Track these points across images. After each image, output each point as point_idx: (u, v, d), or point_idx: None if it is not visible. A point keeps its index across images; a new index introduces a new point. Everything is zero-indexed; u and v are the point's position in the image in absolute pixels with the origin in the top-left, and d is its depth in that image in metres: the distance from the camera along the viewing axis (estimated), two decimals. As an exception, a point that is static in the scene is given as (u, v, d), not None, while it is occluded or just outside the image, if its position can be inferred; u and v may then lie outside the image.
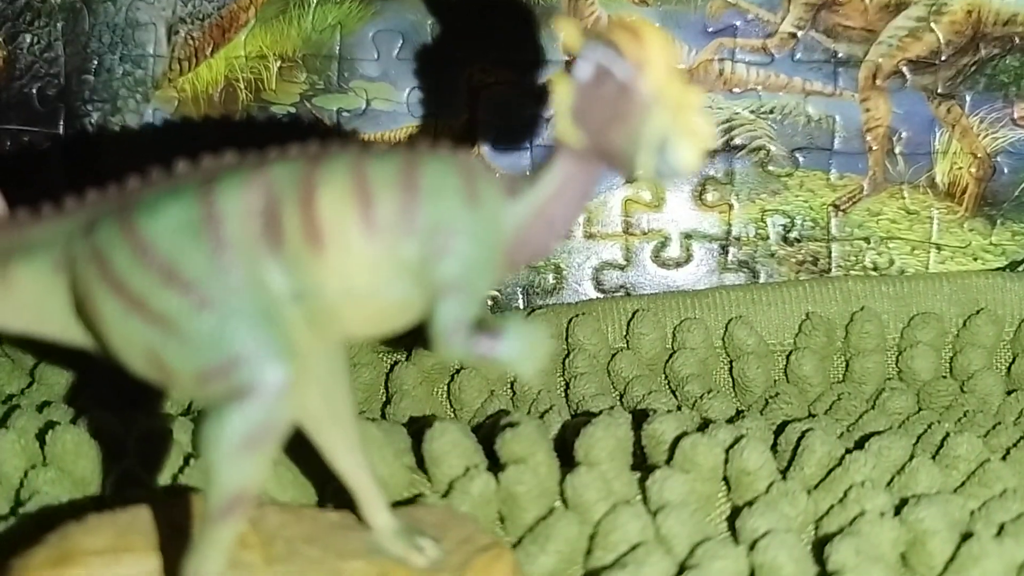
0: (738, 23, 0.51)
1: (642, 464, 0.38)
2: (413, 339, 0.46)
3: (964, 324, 0.48)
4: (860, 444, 0.39)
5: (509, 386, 0.46)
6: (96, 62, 0.53)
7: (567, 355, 0.47)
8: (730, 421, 0.41)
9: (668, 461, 0.37)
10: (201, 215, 0.24)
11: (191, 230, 0.24)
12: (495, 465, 0.36)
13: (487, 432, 0.38)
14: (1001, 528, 0.35)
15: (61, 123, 0.53)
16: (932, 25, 0.51)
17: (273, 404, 0.24)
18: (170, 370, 0.24)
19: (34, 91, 0.53)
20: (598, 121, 0.23)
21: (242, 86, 0.52)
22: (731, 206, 0.52)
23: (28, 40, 0.53)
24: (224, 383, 0.24)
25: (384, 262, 0.24)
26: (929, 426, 0.41)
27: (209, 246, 0.24)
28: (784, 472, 0.37)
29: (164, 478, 0.36)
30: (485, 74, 0.51)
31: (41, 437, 0.37)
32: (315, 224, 0.24)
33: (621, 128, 0.23)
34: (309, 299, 0.24)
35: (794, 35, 0.52)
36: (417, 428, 0.37)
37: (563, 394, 0.46)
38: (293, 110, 0.52)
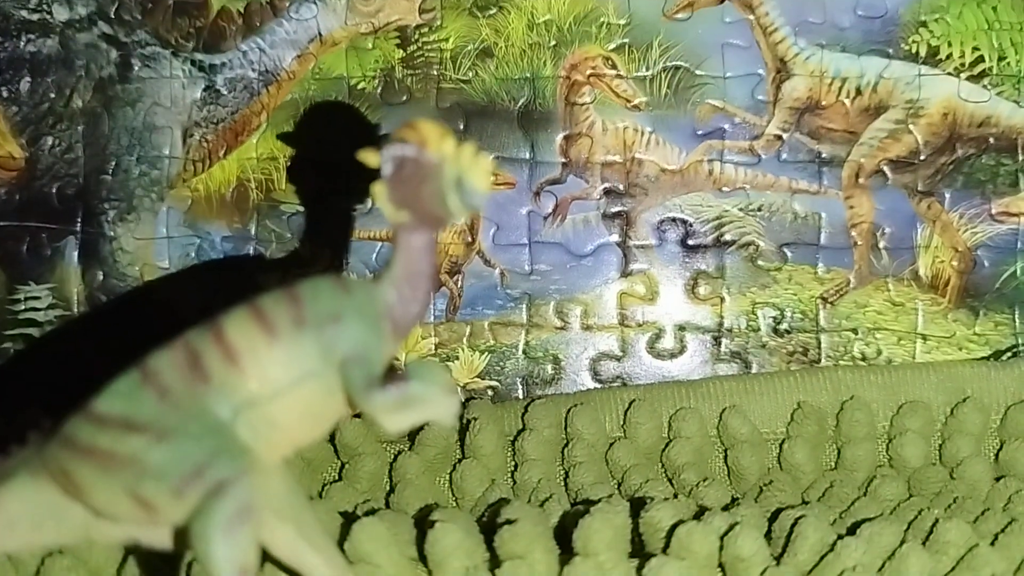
0: (726, 126, 0.54)
1: (641, 551, 0.38)
2: (416, 430, 0.47)
3: (951, 412, 0.48)
4: (852, 530, 0.39)
5: (510, 475, 0.47)
6: (114, 163, 0.55)
7: (566, 444, 0.47)
8: (725, 508, 0.41)
9: (665, 548, 0.37)
10: (140, 377, 0.29)
11: (136, 389, 0.28)
12: (496, 556, 0.36)
13: (490, 520, 0.38)
14: (989, 612, 0.35)
15: (79, 220, 0.55)
16: (910, 127, 0.54)
17: (242, 488, 0.27)
18: (152, 501, 0.28)
19: (54, 190, 0.55)
20: (410, 194, 0.29)
21: (253, 186, 0.55)
22: (723, 299, 0.54)
23: (50, 142, 0.55)
24: (199, 488, 0.27)
25: (291, 356, 0.29)
26: (920, 512, 0.41)
27: (154, 394, 0.28)
28: (778, 558, 0.38)
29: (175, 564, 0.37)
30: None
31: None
32: (229, 348, 0.29)
33: (427, 189, 0.29)
34: (247, 410, 0.29)
35: (779, 137, 0.54)
36: (421, 516, 0.38)
37: (563, 483, 0.47)
38: (302, 208, 0.54)
